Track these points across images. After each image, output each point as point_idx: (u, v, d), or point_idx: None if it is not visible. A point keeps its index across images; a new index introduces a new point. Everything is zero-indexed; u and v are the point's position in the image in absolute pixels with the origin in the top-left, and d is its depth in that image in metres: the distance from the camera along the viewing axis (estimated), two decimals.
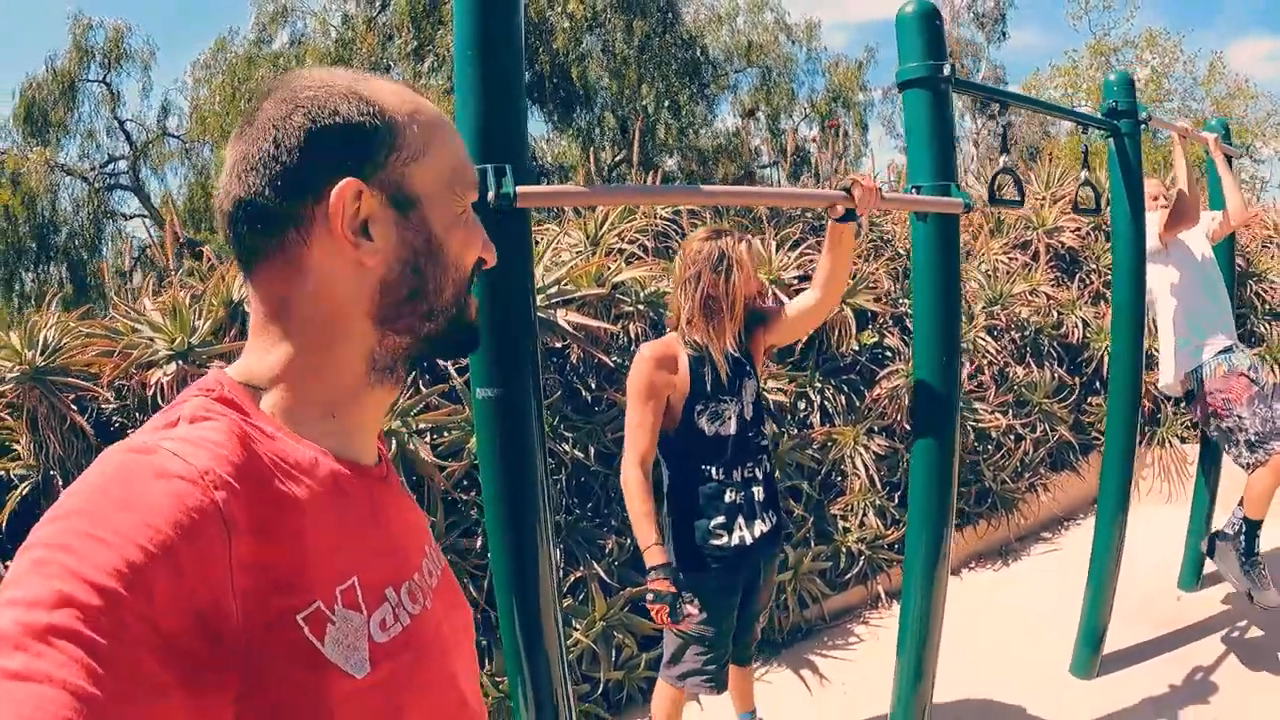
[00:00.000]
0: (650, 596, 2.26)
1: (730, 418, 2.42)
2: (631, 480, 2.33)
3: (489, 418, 1.49)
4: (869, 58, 20.07)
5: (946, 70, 2.05)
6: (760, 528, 2.45)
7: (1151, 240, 3.32)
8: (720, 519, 2.41)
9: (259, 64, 14.07)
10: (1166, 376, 3.63)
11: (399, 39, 13.91)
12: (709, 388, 2.39)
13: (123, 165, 15.75)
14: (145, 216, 15.91)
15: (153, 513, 0.57)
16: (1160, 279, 3.55)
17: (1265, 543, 3.49)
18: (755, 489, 2.46)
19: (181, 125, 15.81)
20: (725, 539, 2.41)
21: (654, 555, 2.28)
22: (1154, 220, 3.43)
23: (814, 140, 10.73)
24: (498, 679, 3.07)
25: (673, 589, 2.24)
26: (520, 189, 1.36)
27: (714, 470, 2.42)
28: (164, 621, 0.55)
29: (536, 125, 16.34)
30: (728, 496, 2.42)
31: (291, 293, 0.75)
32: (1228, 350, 3.50)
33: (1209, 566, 4.02)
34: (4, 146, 14.20)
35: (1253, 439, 3.36)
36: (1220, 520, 3.74)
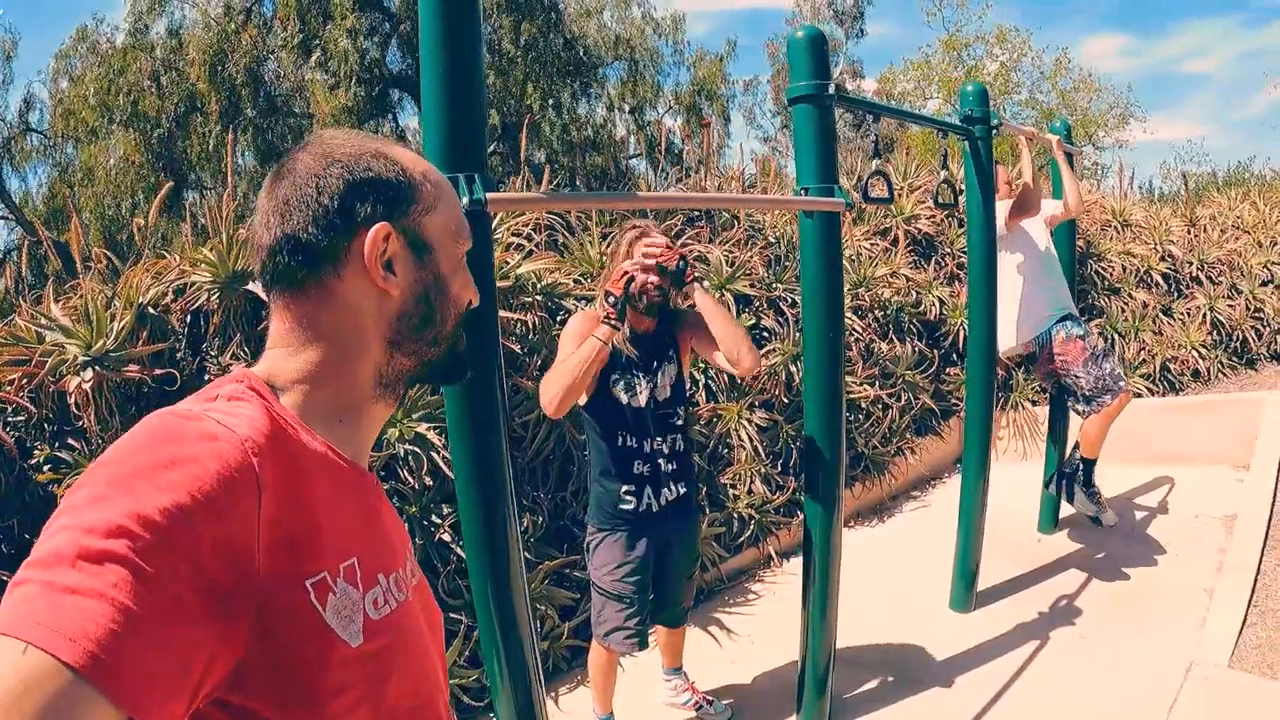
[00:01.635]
0: (611, 299, 2.46)
1: (642, 392, 2.66)
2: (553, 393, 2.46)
3: (460, 399, 1.72)
4: (730, 51, 20.63)
5: (831, 89, 2.39)
6: (667, 495, 2.72)
7: (1000, 227, 3.80)
8: (629, 486, 2.68)
9: (135, 54, 13.42)
10: (1006, 342, 4.16)
11: (284, 31, 13.54)
12: (623, 360, 2.63)
13: None
14: (5, 217, 14.96)
15: (200, 466, 0.66)
16: (1006, 260, 4.07)
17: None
18: (662, 461, 2.71)
19: (43, 120, 14.91)
20: (634, 504, 2.68)
21: (600, 309, 2.51)
22: (1002, 208, 3.92)
23: (686, 136, 11.09)
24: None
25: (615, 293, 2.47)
26: (490, 195, 1.60)
27: (627, 438, 2.67)
28: (203, 560, 0.64)
29: (414, 119, 16.19)
30: (635, 467, 2.68)
31: (320, 313, 0.87)
32: (1065, 319, 4.11)
33: (1064, 511, 4.64)
34: None
35: (1087, 393, 4.02)
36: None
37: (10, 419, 3.23)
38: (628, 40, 17.42)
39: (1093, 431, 4.12)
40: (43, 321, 3.40)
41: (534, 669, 1.94)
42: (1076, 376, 4.03)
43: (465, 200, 1.59)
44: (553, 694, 3.36)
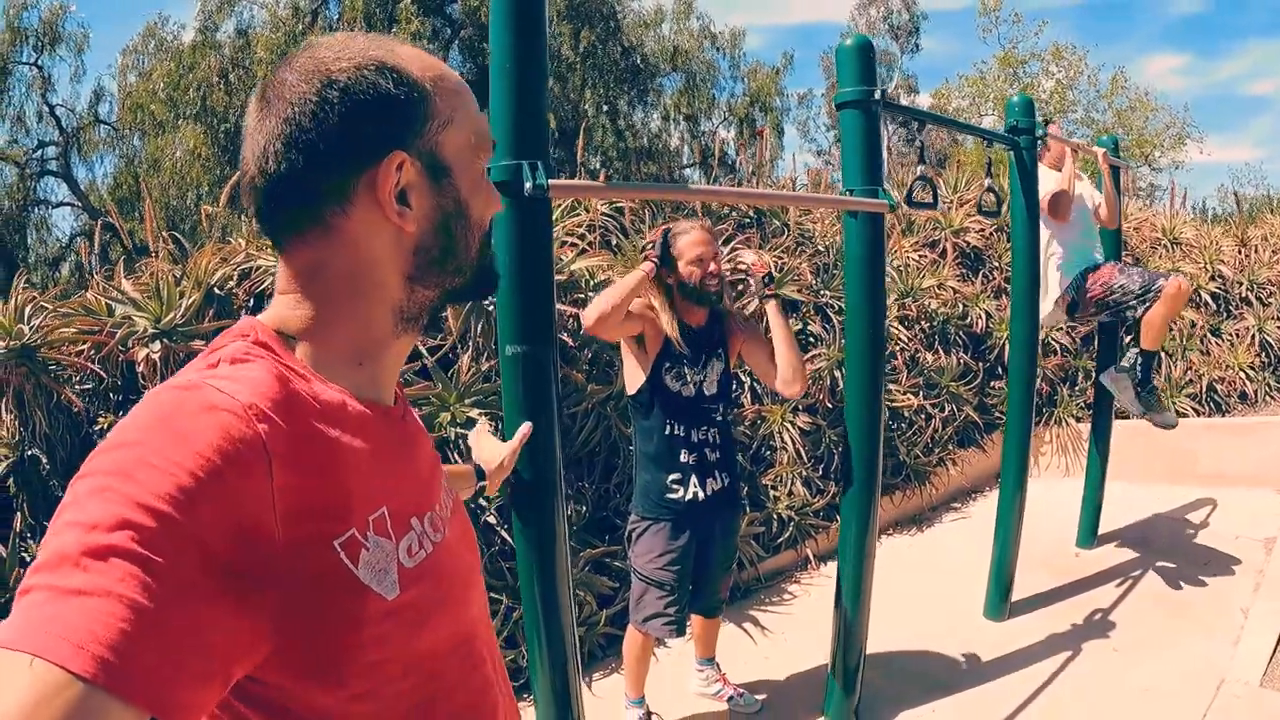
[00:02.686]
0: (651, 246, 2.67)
1: (691, 383, 2.75)
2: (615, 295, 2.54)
3: (516, 371, 1.81)
4: (786, 64, 20.72)
5: (877, 94, 2.47)
6: (713, 485, 2.79)
7: (1041, 199, 3.77)
8: (676, 475, 2.75)
9: (205, 52, 13.85)
10: (1047, 307, 4.10)
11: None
12: (674, 352, 2.72)
13: (52, 151, 15.31)
14: (74, 205, 15.48)
15: (202, 442, 0.61)
16: (1044, 232, 4.05)
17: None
18: (708, 450, 2.79)
19: (112, 112, 15.43)
20: (680, 493, 2.75)
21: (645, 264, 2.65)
22: (1049, 177, 3.91)
23: (741, 146, 11.16)
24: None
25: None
26: (552, 182, 1.69)
27: (675, 426, 2.75)
28: (212, 541, 0.60)
29: None
30: (682, 456, 2.75)
31: (327, 257, 0.78)
32: (1094, 263, 4.10)
33: (1103, 528, 4.60)
34: None
35: (1139, 291, 3.92)
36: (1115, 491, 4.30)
37: (79, 385, 3.39)
38: (686, 52, 17.57)
39: (1156, 319, 3.95)
40: (114, 295, 3.59)
41: (573, 654, 1.99)
42: (1121, 285, 3.96)
43: (529, 185, 1.67)
44: (587, 679, 3.44)
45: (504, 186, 1.69)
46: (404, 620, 0.76)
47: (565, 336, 4.04)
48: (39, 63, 14.95)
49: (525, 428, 1.76)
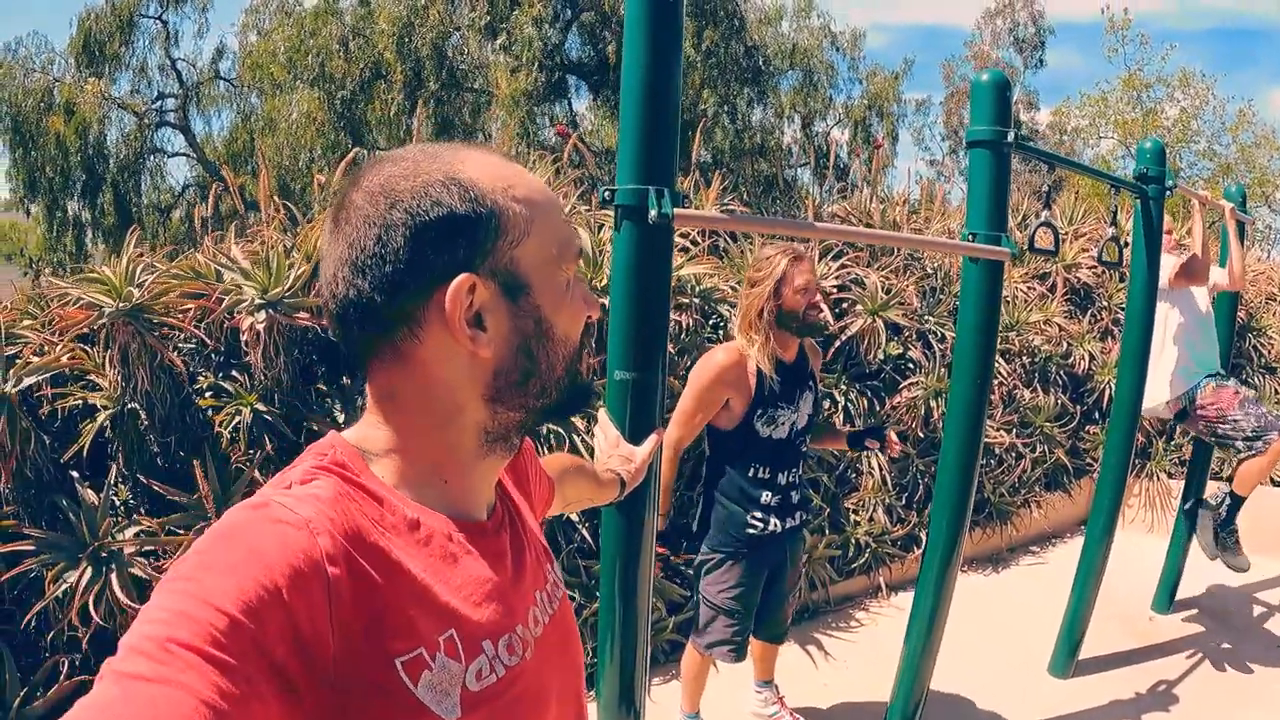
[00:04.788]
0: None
1: (785, 424, 2.69)
2: (664, 459, 2.56)
3: (623, 397, 1.79)
4: (906, 69, 20.29)
5: (1010, 136, 2.39)
6: (791, 522, 2.77)
7: (1162, 281, 3.68)
8: (758, 514, 2.71)
9: (327, 19, 14.19)
10: (1155, 399, 3.99)
11: (473, 11, 14.06)
12: (766, 394, 2.65)
13: (171, 103, 15.93)
14: (188, 155, 16.08)
15: (265, 554, 0.63)
16: (1163, 316, 3.93)
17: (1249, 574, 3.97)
18: (793, 493, 2.76)
19: (232, 69, 15.96)
20: (760, 529, 2.71)
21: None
22: (1167, 263, 3.78)
23: (856, 153, 11.00)
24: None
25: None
26: (678, 211, 1.68)
27: (761, 470, 2.70)
28: (271, 645, 0.61)
29: (594, 109, 16.55)
30: (765, 498, 2.70)
31: (400, 382, 0.77)
32: (1214, 375, 3.97)
33: (1182, 593, 4.42)
34: (59, 76, 14.37)
35: (1249, 434, 3.82)
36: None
37: (181, 345, 3.48)
38: (805, 50, 17.33)
39: (1255, 470, 3.87)
40: (223, 261, 3.66)
41: (643, 657, 2.01)
42: (1235, 420, 3.85)
43: (654, 213, 1.65)
44: (647, 683, 3.44)
45: (629, 211, 1.68)
46: None
47: (670, 345, 4.03)
48: (163, 17, 15.52)
49: (656, 435, 1.76)
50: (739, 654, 2.82)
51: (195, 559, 0.63)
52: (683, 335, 4.10)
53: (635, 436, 1.79)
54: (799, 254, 2.65)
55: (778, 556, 2.83)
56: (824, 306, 2.66)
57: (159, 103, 15.71)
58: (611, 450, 1.69)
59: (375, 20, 14.06)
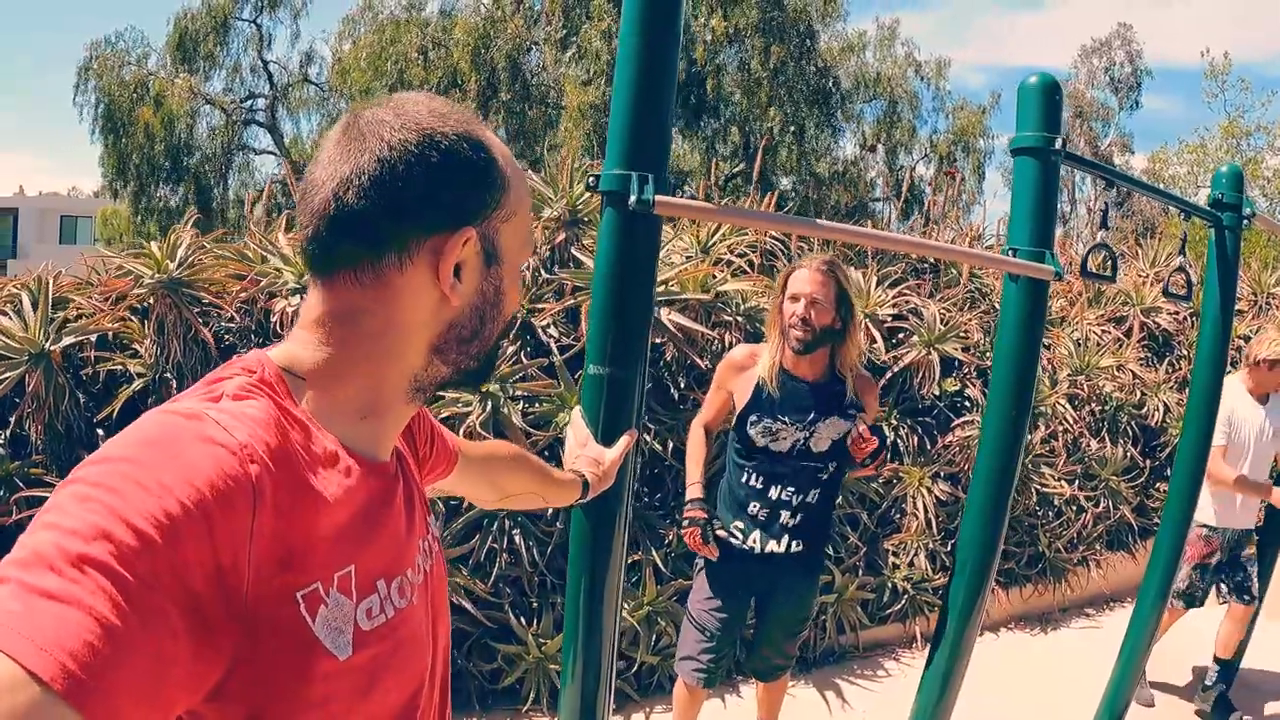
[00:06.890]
0: (686, 522, 2.52)
1: (786, 439, 2.53)
2: (693, 434, 2.70)
3: (597, 394, 1.67)
4: (994, 103, 19.85)
5: (1058, 144, 2.16)
6: (774, 547, 2.58)
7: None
8: (739, 523, 2.59)
9: (407, 29, 14.60)
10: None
11: (549, 26, 14.30)
12: (764, 401, 2.53)
13: (261, 103, 16.59)
14: (274, 154, 16.63)
15: (195, 472, 0.61)
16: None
17: None
18: (785, 513, 2.57)
19: (322, 74, 16.57)
20: (739, 540, 2.59)
21: (694, 490, 2.57)
22: (1238, 393, 3.59)
23: (931, 185, 10.73)
24: (541, 640, 3.26)
25: (704, 515, 2.51)
26: (659, 198, 1.54)
27: (755, 479, 2.57)
28: (188, 574, 0.59)
29: None
30: (751, 508, 2.57)
31: (368, 305, 0.78)
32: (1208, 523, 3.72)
33: (1244, 666, 4.01)
34: (153, 70, 15.04)
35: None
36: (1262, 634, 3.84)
37: (224, 321, 3.68)
38: (888, 79, 17.08)
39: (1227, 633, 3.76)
40: (269, 247, 3.88)
41: (606, 679, 1.85)
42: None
43: (632, 199, 1.54)
44: (646, 708, 3.35)
45: (612, 197, 1.59)
46: (352, 683, 0.74)
47: (705, 360, 3.87)
48: (258, 21, 16.34)
49: (629, 437, 1.66)
50: (708, 679, 2.66)
51: (122, 465, 0.61)
52: (724, 353, 3.93)
53: (608, 437, 1.68)
54: (808, 263, 2.55)
55: (762, 583, 2.69)
56: (816, 325, 2.48)
57: (249, 102, 16.36)
58: (579, 450, 1.64)
59: (453, 31, 14.48)
